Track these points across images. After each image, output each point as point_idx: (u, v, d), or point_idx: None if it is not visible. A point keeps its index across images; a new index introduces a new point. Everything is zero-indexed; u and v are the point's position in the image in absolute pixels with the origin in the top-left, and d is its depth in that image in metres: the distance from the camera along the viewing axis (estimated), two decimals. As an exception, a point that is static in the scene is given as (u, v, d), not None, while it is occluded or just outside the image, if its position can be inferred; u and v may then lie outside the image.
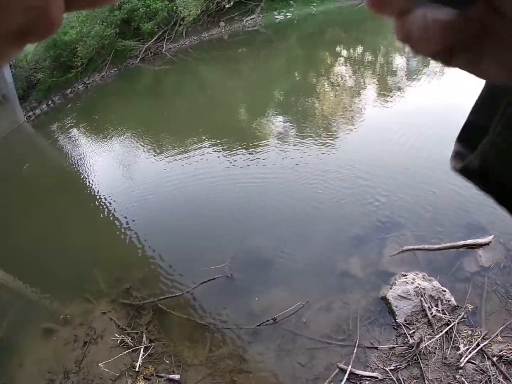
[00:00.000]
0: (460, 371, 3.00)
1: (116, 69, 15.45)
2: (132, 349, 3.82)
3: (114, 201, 6.53)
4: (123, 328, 4.08)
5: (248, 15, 16.00)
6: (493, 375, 2.93)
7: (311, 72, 11.06)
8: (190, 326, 3.93)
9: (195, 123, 9.13)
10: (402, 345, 3.25)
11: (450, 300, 3.46)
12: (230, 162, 6.56)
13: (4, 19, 0.18)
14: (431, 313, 3.38)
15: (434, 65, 8.43)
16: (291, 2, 16.00)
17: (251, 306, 3.93)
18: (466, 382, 2.91)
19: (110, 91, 14.09)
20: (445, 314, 3.38)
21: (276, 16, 15.77)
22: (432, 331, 3.29)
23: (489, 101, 0.32)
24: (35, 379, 3.86)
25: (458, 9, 0.25)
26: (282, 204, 5.19)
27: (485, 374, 2.94)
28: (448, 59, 0.27)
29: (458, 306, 3.43)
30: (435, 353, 3.15)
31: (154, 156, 7.88)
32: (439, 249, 4.00)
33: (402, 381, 3.02)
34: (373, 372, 3.13)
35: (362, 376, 3.12)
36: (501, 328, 3.18)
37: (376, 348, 3.30)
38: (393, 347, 3.26)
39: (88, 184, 7.60)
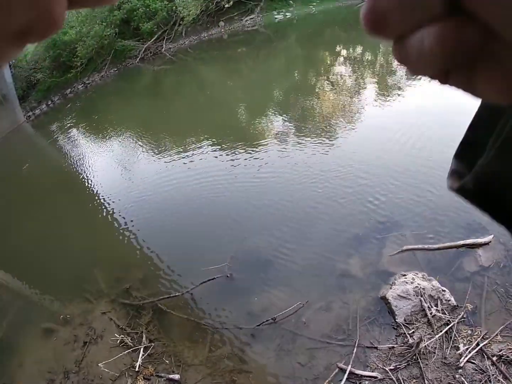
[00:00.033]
0: (460, 370, 3.00)
1: (115, 69, 15.45)
2: (132, 349, 3.82)
3: (114, 201, 6.53)
4: (123, 328, 4.08)
5: (248, 15, 16.00)
6: (492, 374, 2.93)
7: (310, 72, 11.06)
8: (190, 326, 3.93)
9: (195, 123, 9.13)
10: (402, 344, 3.26)
11: (449, 300, 3.46)
12: (230, 162, 6.56)
13: (5, 18, 0.18)
14: (430, 313, 3.38)
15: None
16: (291, 2, 16.00)
17: (251, 306, 3.93)
18: (466, 382, 2.92)
19: (109, 91, 14.09)
20: (445, 313, 3.38)
21: (276, 16, 15.77)
22: (432, 331, 3.29)
23: (486, 118, 0.32)
24: (35, 379, 3.86)
25: None
26: (282, 204, 5.19)
27: (485, 374, 2.95)
28: (443, 80, 0.28)
29: (457, 305, 3.43)
30: (434, 352, 3.15)
31: (154, 156, 7.88)
32: (438, 248, 4.00)
33: (401, 380, 3.02)
34: (372, 372, 3.13)
35: (361, 376, 3.12)
36: (501, 327, 3.19)
37: (375, 348, 3.30)
38: (393, 347, 3.26)
39: (87, 184, 7.60)
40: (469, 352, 3.08)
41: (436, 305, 3.44)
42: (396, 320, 3.42)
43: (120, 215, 6.04)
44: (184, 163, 7.04)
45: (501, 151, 0.28)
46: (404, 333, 3.32)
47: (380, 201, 4.76)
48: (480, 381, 2.91)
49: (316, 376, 3.21)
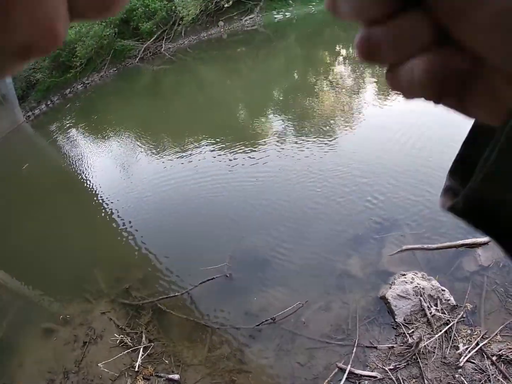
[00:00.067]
0: (460, 370, 3.00)
1: (115, 69, 15.44)
2: (131, 349, 3.82)
3: (113, 201, 6.53)
4: (122, 328, 4.08)
5: (247, 15, 15.99)
6: (492, 374, 2.93)
7: (310, 72, 11.06)
8: (189, 326, 3.93)
9: (194, 122, 9.13)
10: (401, 344, 3.26)
11: (449, 300, 3.46)
12: (228, 162, 6.56)
13: (7, 36, 0.17)
14: (430, 313, 3.38)
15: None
16: (290, 1, 15.99)
17: (250, 306, 3.94)
18: (465, 382, 2.92)
19: (109, 91, 14.08)
20: (444, 313, 3.38)
21: (275, 16, 15.76)
22: (431, 331, 3.29)
23: (480, 135, 0.33)
24: (35, 379, 3.86)
25: None
26: (281, 203, 5.19)
27: (485, 374, 2.95)
28: (436, 102, 0.30)
29: (457, 305, 3.43)
30: (434, 352, 3.15)
31: (153, 156, 7.88)
32: (438, 248, 4.00)
33: (401, 380, 3.02)
34: (372, 371, 3.14)
35: (361, 375, 3.12)
36: (501, 327, 3.19)
37: (375, 347, 3.30)
38: (392, 347, 3.26)
39: (87, 184, 7.60)
40: (469, 351, 3.08)
41: (436, 305, 3.44)
42: (396, 320, 3.42)
43: (119, 215, 6.04)
44: (182, 163, 7.05)
45: (489, 176, 0.28)
46: (404, 333, 3.32)
47: (379, 201, 4.76)
48: (480, 381, 2.91)
49: (315, 376, 3.21)
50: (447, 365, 3.06)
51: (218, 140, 7.49)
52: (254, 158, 6.46)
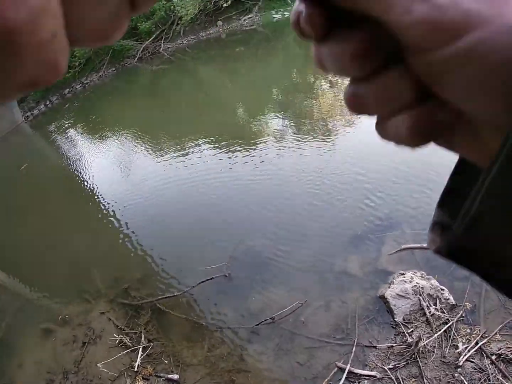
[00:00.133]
0: (459, 369, 3.00)
1: (113, 69, 15.43)
2: (130, 349, 3.82)
3: (112, 201, 6.53)
4: (121, 328, 4.08)
5: (246, 14, 15.98)
6: (492, 373, 2.93)
7: (309, 71, 11.05)
8: (189, 326, 3.93)
9: (193, 122, 9.12)
10: (401, 344, 3.26)
11: (448, 299, 3.46)
12: (227, 161, 6.56)
13: (15, 74, 0.18)
14: (429, 312, 3.38)
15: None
16: (289, 1, 15.98)
17: (249, 306, 3.93)
18: (465, 381, 2.92)
19: (107, 91, 14.07)
20: (444, 312, 3.38)
21: (274, 15, 15.75)
22: (431, 330, 3.29)
23: (468, 167, 0.33)
24: (34, 380, 3.86)
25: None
26: (280, 203, 5.19)
27: (484, 373, 2.95)
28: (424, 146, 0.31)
29: (456, 304, 3.43)
30: (433, 351, 3.15)
31: (152, 156, 7.87)
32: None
33: (401, 380, 3.02)
34: (371, 371, 3.14)
35: (360, 375, 3.12)
36: (500, 326, 3.19)
37: (374, 347, 3.30)
38: (392, 346, 3.26)
39: (86, 184, 7.60)
40: (468, 351, 3.08)
41: (435, 304, 3.44)
42: (395, 319, 3.42)
43: (118, 215, 6.04)
44: (181, 162, 7.04)
45: (471, 226, 0.28)
46: (403, 332, 3.32)
47: (378, 200, 4.76)
48: (479, 380, 2.91)
49: (315, 376, 3.21)
50: (447, 364, 3.06)
51: (217, 139, 7.49)
52: (253, 157, 6.46)
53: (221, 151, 7.00)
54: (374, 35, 0.28)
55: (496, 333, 3.15)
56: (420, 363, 3.08)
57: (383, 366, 3.13)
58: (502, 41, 0.24)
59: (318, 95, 8.96)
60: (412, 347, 3.15)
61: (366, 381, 3.08)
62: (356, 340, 3.35)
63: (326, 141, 6.45)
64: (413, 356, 3.13)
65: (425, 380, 2.97)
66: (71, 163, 9.21)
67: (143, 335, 3.91)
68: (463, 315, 3.35)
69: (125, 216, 5.95)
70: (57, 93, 14.61)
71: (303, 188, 5.34)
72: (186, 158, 7.12)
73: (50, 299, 4.92)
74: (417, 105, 0.29)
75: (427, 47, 0.26)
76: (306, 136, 6.82)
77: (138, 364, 3.64)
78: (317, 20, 0.29)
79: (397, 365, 3.11)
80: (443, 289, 3.51)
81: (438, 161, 4.77)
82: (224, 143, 7.26)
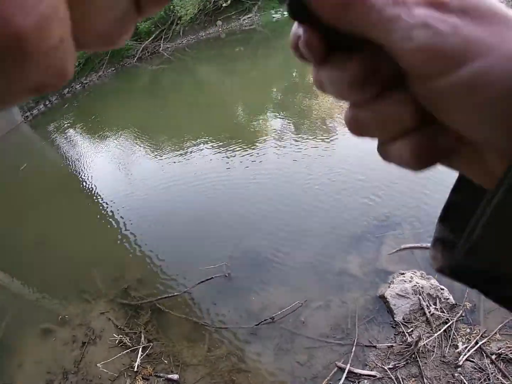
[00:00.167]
0: (459, 369, 3.00)
1: (113, 69, 15.43)
2: (130, 349, 3.81)
3: (111, 201, 6.53)
4: (121, 328, 4.08)
5: (245, 14, 15.98)
6: (491, 373, 2.93)
7: (308, 71, 11.04)
8: (189, 326, 3.93)
9: (192, 122, 9.13)
10: (401, 343, 3.26)
11: (448, 298, 3.46)
12: (227, 161, 6.56)
13: (22, 79, 0.18)
14: (429, 312, 3.38)
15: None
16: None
17: (249, 305, 3.93)
18: (464, 380, 2.92)
19: (107, 91, 14.07)
20: (444, 312, 3.38)
21: (274, 15, 15.74)
22: (431, 330, 3.29)
23: (469, 182, 0.33)
24: (34, 380, 3.86)
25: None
26: (280, 202, 5.19)
27: (484, 372, 2.95)
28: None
29: (456, 304, 3.43)
30: (433, 351, 3.15)
31: (151, 155, 7.87)
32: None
33: (400, 379, 3.02)
34: (371, 370, 3.14)
35: (360, 374, 3.12)
36: (500, 326, 3.19)
37: (374, 346, 3.30)
38: (392, 346, 3.26)
39: (85, 184, 7.59)
40: (468, 350, 3.08)
41: (435, 304, 3.44)
42: (395, 319, 3.43)
43: (118, 215, 6.04)
44: (181, 162, 7.04)
45: (473, 251, 0.28)
46: (403, 332, 3.32)
47: (378, 200, 4.76)
48: (479, 380, 2.91)
49: (315, 375, 3.21)
50: (447, 364, 3.06)
51: (216, 139, 7.49)
52: (252, 157, 6.46)
53: (220, 151, 6.99)
54: (373, 60, 0.28)
55: (496, 333, 3.15)
56: (420, 362, 3.08)
57: (383, 366, 3.13)
58: (503, 70, 0.24)
59: (317, 94, 8.95)
60: (412, 347, 3.15)
61: (366, 380, 3.08)
62: (356, 340, 3.35)
63: (325, 141, 6.45)
64: (413, 355, 3.13)
65: (425, 380, 2.97)
66: (71, 163, 9.20)
67: (143, 335, 3.91)
68: (463, 314, 3.35)
69: (125, 216, 5.95)
70: (57, 93, 14.59)
71: (302, 188, 5.34)
72: (185, 158, 7.11)
73: (50, 299, 4.92)
74: (419, 130, 0.29)
75: (428, 74, 0.26)
76: (306, 136, 6.82)
77: (138, 364, 3.64)
78: (315, 45, 0.29)
79: (397, 365, 3.11)
80: (443, 289, 3.51)
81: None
82: (223, 142, 7.26)
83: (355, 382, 3.10)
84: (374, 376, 3.08)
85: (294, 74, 11.20)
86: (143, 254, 5.03)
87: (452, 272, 0.31)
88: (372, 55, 0.28)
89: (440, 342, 3.20)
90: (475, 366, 3.00)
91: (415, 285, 3.53)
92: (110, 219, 6.03)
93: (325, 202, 4.99)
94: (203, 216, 5.41)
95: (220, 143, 7.29)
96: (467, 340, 3.17)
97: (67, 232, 6.12)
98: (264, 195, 5.45)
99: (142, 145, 8.49)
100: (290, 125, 7.74)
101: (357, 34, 0.27)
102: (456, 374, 2.97)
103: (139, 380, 3.53)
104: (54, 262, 5.47)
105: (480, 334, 3.16)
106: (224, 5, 15.67)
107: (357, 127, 0.31)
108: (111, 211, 6.21)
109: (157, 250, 5.02)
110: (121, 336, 3.93)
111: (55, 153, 10.29)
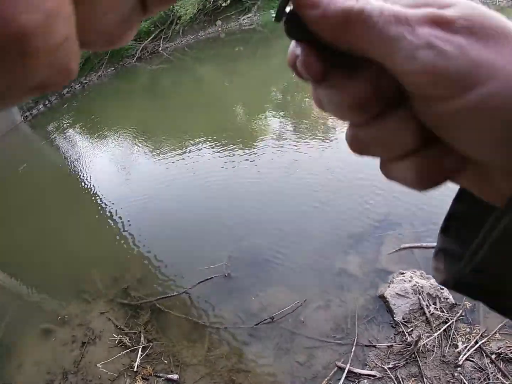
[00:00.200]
0: (459, 369, 3.00)
1: (113, 69, 15.41)
2: (130, 349, 3.81)
3: (111, 201, 6.53)
4: (121, 328, 4.08)
5: (245, 14, 15.97)
6: (491, 372, 2.93)
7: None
8: (188, 326, 3.93)
9: (192, 122, 9.12)
10: (400, 343, 3.26)
11: (448, 298, 3.46)
12: (226, 161, 6.55)
13: (26, 77, 0.18)
14: (429, 311, 3.38)
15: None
16: (288, 0, 15.96)
17: (249, 305, 3.93)
18: (464, 380, 2.92)
19: (106, 91, 14.06)
20: (443, 312, 3.38)
21: (273, 15, 15.63)
22: (430, 329, 3.29)
23: (470, 197, 0.32)
24: (34, 380, 3.86)
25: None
26: (279, 202, 5.19)
27: (484, 372, 2.95)
28: None
29: (456, 303, 3.43)
30: (433, 351, 3.15)
31: (150, 155, 7.87)
32: (436, 247, 3.99)
33: (400, 379, 3.02)
34: (371, 370, 3.14)
35: (360, 374, 3.12)
36: (500, 325, 3.19)
37: (374, 346, 3.30)
38: (391, 345, 3.26)
39: (85, 184, 7.59)
40: (468, 350, 3.08)
41: (435, 303, 3.44)
42: (395, 319, 3.42)
43: (117, 215, 6.03)
44: (180, 162, 7.04)
45: (479, 269, 0.27)
46: (403, 332, 3.32)
47: (378, 199, 4.76)
48: (479, 379, 2.91)
49: (314, 375, 3.21)
50: (446, 364, 3.06)
51: (216, 139, 7.48)
52: (252, 157, 6.46)
53: (219, 150, 6.99)
54: (374, 81, 0.27)
55: (495, 332, 3.15)
56: (419, 362, 3.08)
57: (382, 366, 3.13)
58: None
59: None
60: (411, 347, 3.15)
61: (366, 380, 3.08)
62: (355, 340, 3.35)
63: (325, 141, 6.45)
64: (413, 355, 3.13)
65: (424, 380, 2.97)
66: (70, 163, 9.19)
67: (142, 335, 3.91)
68: (463, 314, 3.35)
69: (124, 216, 5.94)
70: (56, 93, 14.56)
71: (302, 187, 5.33)
72: (184, 158, 7.11)
73: (50, 299, 4.92)
74: (423, 150, 0.28)
75: (433, 97, 0.25)
76: (305, 136, 6.81)
77: (137, 364, 3.64)
78: (314, 65, 0.28)
79: (396, 365, 3.11)
80: (442, 288, 3.51)
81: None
82: (223, 142, 7.26)
83: (355, 381, 3.10)
84: (374, 376, 3.08)
85: (293, 74, 11.19)
86: (142, 254, 5.03)
87: (456, 287, 0.30)
88: (372, 74, 0.27)
89: (440, 341, 3.20)
90: (475, 366, 3.00)
91: (415, 285, 3.53)
92: (110, 219, 6.03)
93: (325, 201, 4.98)
94: (202, 216, 5.40)
95: (219, 143, 7.28)
96: (467, 340, 3.17)
97: (67, 232, 6.12)
98: (263, 195, 5.45)
99: (141, 145, 8.48)
100: (289, 125, 7.74)
101: (358, 53, 0.26)
102: (456, 374, 2.97)
103: (138, 380, 3.53)
104: (54, 262, 5.47)
105: (480, 334, 3.16)
106: (223, 5, 15.66)
107: (358, 147, 0.31)
108: (111, 211, 6.21)
109: (157, 250, 5.02)
110: (121, 336, 3.93)
111: (54, 153, 10.28)
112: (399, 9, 0.25)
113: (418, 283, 3.54)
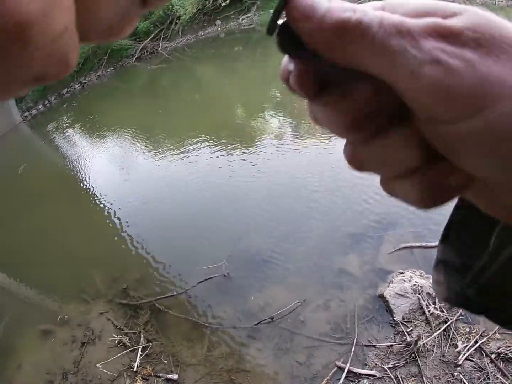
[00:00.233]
0: (459, 368, 3.00)
1: (112, 68, 15.42)
2: (130, 349, 3.81)
3: (110, 201, 6.52)
4: (120, 328, 4.08)
5: (244, 14, 15.96)
6: (491, 372, 2.93)
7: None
8: (188, 326, 3.93)
9: (191, 121, 9.11)
10: (400, 343, 3.25)
11: (447, 298, 3.45)
12: (226, 161, 6.55)
13: (24, 69, 0.18)
14: (428, 311, 3.38)
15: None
16: (287, 0, 15.95)
17: (249, 305, 3.93)
18: (464, 380, 2.92)
19: (106, 91, 14.05)
20: (443, 311, 3.38)
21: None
22: (430, 329, 3.29)
23: (469, 206, 0.30)
24: (33, 380, 3.85)
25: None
26: (279, 202, 5.19)
27: (483, 372, 2.95)
28: None
29: (456, 303, 3.43)
30: (433, 350, 3.15)
31: (150, 155, 7.86)
32: (436, 246, 3.99)
33: (400, 379, 3.02)
34: (371, 370, 3.13)
35: (360, 374, 3.12)
36: (499, 325, 3.18)
37: (374, 346, 3.30)
38: (391, 345, 3.26)
39: (84, 184, 7.59)
40: (468, 350, 3.08)
41: (434, 303, 3.44)
42: (394, 318, 3.42)
43: (117, 215, 6.03)
44: (179, 162, 7.03)
45: (484, 288, 0.27)
46: (402, 331, 3.32)
47: (377, 199, 4.75)
48: (479, 379, 2.91)
49: (314, 375, 3.21)
50: (446, 363, 3.06)
51: (215, 138, 7.48)
52: (252, 157, 6.46)
53: (219, 150, 6.99)
54: (372, 98, 0.25)
55: (495, 332, 3.15)
56: (419, 362, 3.08)
57: (382, 365, 3.13)
58: None
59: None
60: (411, 346, 3.15)
61: (365, 380, 3.08)
62: (355, 339, 3.34)
63: (324, 140, 6.44)
64: (413, 355, 3.13)
65: (424, 379, 2.97)
66: (70, 163, 9.19)
67: (142, 335, 3.91)
68: (463, 314, 3.35)
69: (124, 216, 5.94)
70: (56, 93, 14.58)
71: (302, 187, 5.33)
72: (184, 158, 7.11)
73: (49, 299, 4.91)
74: (426, 168, 0.26)
75: (439, 119, 0.23)
76: (305, 135, 6.81)
77: (137, 364, 3.64)
78: (307, 82, 0.27)
79: (396, 364, 3.11)
80: (442, 288, 3.51)
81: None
82: (222, 142, 7.25)
83: (355, 381, 3.09)
84: (374, 376, 3.08)
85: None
86: (142, 254, 5.03)
87: (457, 304, 0.30)
88: (371, 91, 0.25)
89: (440, 341, 3.20)
90: (475, 366, 3.00)
91: (415, 284, 3.53)
92: (109, 219, 6.03)
93: (325, 201, 4.98)
94: (202, 216, 5.40)
95: (219, 142, 7.28)
96: (466, 340, 3.17)
97: (66, 232, 6.12)
98: (263, 194, 5.44)
99: (141, 144, 8.48)
100: (289, 124, 7.74)
101: (355, 68, 0.24)
102: (455, 374, 2.97)
103: (138, 380, 3.53)
104: (54, 263, 5.47)
105: (479, 333, 3.16)
106: (223, 4, 15.66)
107: (357, 164, 0.29)
108: (110, 211, 6.21)
109: (156, 250, 5.02)
110: (121, 336, 3.93)
111: (54, 153, 10.28)
112: (400, 18, 0.23)
113: (417, 282, 3.54)
